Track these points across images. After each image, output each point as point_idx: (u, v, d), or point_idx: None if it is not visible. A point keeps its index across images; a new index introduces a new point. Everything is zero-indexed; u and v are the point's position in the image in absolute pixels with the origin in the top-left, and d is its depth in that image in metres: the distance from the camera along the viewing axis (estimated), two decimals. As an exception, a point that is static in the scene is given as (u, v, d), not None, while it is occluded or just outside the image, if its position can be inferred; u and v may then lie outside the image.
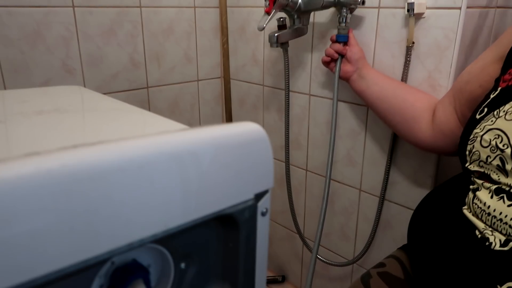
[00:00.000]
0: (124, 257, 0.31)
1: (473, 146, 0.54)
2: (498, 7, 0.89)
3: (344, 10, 0.90)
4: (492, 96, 0.57)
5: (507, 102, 0.52)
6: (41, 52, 0.92)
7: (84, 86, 1.01)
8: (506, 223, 0.48)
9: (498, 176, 0.51)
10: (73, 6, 0.94)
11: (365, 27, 0.94)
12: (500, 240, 0.49)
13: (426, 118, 0.78)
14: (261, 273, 0.40)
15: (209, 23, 1.26)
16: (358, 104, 1.01)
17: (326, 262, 1.18)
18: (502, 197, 0.50)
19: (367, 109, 1.00)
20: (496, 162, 0.50)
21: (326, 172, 1.05)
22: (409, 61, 0.87)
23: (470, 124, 0.58)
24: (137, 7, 1.06)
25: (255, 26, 1.20)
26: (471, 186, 0.55)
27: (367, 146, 1.03)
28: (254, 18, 1.20)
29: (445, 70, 0.83)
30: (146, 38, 1.10)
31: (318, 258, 1.20)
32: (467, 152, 0.56)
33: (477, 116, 0.57)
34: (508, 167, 0.49)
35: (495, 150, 0.50)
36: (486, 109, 0.56)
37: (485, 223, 0.51)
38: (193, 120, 1.31)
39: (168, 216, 0.29)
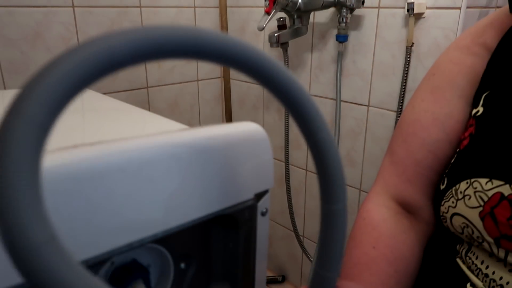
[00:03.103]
0: (124, 257, 0.31)
1: (449, 224, 0.43)
2: (498, 7, 0.89)
3: (344, 10, 0.90)
4: (451, 161, 0.46)
5: (462, 177, 0.42)
6: (41, 52, 0.92)
7: (84, 86, 1.01)
8: None
9: (490, 256, 0.41)
10: (73, 6, 0.94)
11: (365, 27, 0.94)
12: None
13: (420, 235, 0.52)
14: (261, 273, 0.40)
15: (209, 23, 1.26)
16: (358, 104, 1.01)
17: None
18: (504, 261, 0.39)
19: (367, 109, 1.00)
20: (482, 248, 0.41)
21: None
22: (409, 61, 0.87)
23: (436, 197, 0.47)
24: (137, 7, 1.06)
25: (255, 26, 1.20)
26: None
27: (367, 146, 1.03)
28: (254, 18, 1.20)
29: (445, 70, 0.83)
30: (146, 38, 1.10)
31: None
32: (445, 227, 0.45)
33: (441, 187, 0.46)
34: (497, 253, 0.39)
35: (473, 240, 0.41)
36: (446, 180, 0.45)
37: (482, 281, 0.41)
38: (193, 120, 1.31)
39: (168, 216, 0.29)
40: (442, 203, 0.44)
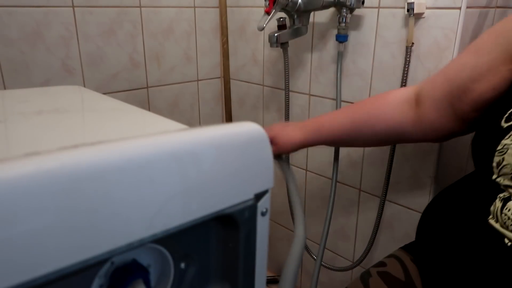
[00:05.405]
0: (124, 257, 0.31)
1: (503, 159, 0.49)
2: (498, 7, 0.89)
3: (344, 10, 0.90)
4: None
5: None
6: (41, 52, 0.92)
7: (84, 86, 1.01)
8: None
9: None
10: (73, 6, 0.94)
11: (365, 27, 0.94)
12: None
13: (410, 119, 0.68)
14: (261, 273, 0.40)
15: (209, 23, 1.26)
16: (358, 104, 1.02)
17: (328, 268, 1.18)
18: None
19: (367, 109, 1.00)
20: None
21: (332, 175, 1.04)
22: (409, 61, 0.87)
23: (496, 132, 0.52)
24: (137, 7, 1.06)
25: (255, 26, 1.20)
26: (500, 195, 0.49)
27: (367, 146, 1.03)
28: (254, 18, 1.20)
29: (445, 70, 0.83)
30: (146, 38, 1.10)
31: (322, 265, 1.19)
32: (495, 164, 0.50)
33: (504, 125, 0.51)
34: None
35: None
36: None
37: None
38: (193, 120, 1.31)
39: (168, 216, 0.29)
40: (506, 136, 0.50)
